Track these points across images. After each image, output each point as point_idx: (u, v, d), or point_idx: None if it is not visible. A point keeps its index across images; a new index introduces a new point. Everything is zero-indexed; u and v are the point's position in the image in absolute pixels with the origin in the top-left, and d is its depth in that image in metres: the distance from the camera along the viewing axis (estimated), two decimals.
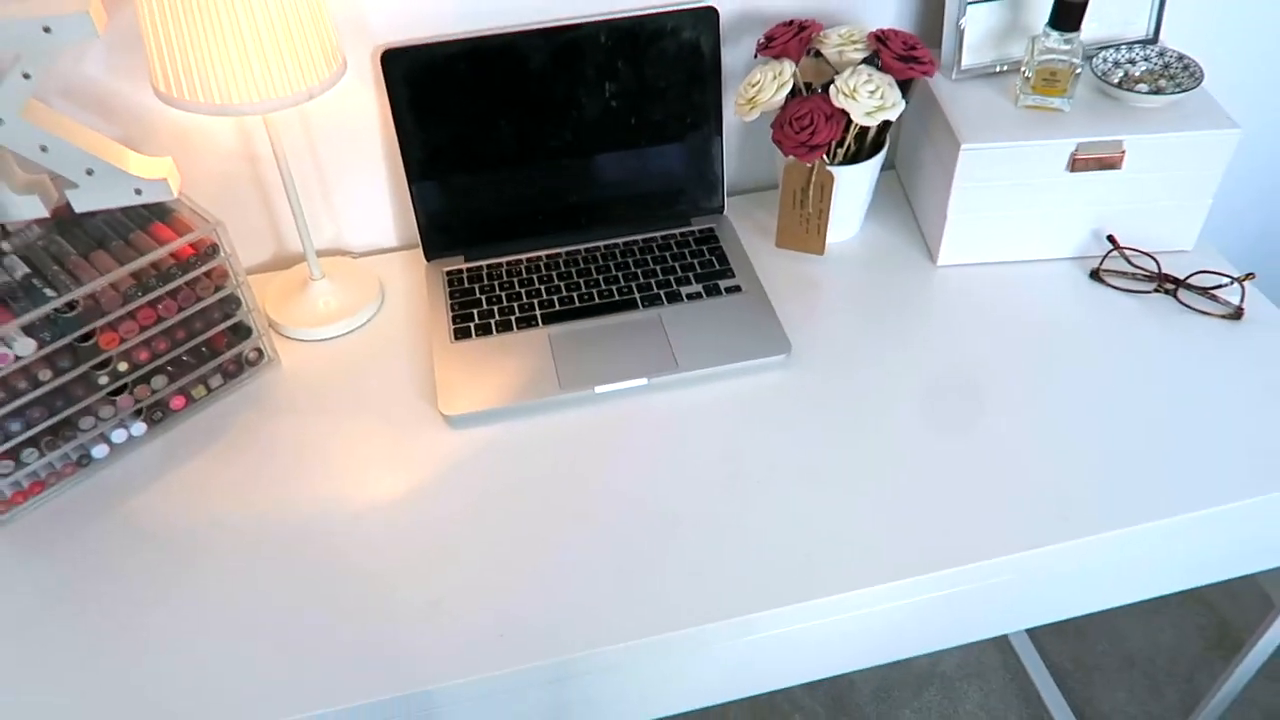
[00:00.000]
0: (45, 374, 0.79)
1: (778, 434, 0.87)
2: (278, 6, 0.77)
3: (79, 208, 0.84)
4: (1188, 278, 0.98)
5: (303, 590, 0.76)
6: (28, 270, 0.81)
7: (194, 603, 0.76)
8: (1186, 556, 0.86)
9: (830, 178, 0.99)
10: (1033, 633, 1.60)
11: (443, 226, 1.03)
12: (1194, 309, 0.97)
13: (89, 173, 0.82)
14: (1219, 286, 0.97)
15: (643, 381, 0.91)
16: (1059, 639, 1.59)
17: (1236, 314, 0.96)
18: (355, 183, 1.04)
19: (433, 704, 0.72)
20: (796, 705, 1.53)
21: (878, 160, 1.02)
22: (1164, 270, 0.99)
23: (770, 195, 1.14)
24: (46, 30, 0.74)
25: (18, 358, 0.77)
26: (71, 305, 0.79)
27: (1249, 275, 0.96)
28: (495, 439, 0.88)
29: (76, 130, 0.82)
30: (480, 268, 1.03)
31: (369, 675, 0.71)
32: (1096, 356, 0.93)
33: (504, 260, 1.04)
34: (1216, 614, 1.62)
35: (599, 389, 0.90)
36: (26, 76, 0.76)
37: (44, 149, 0.80)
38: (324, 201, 1.05)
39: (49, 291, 0.79)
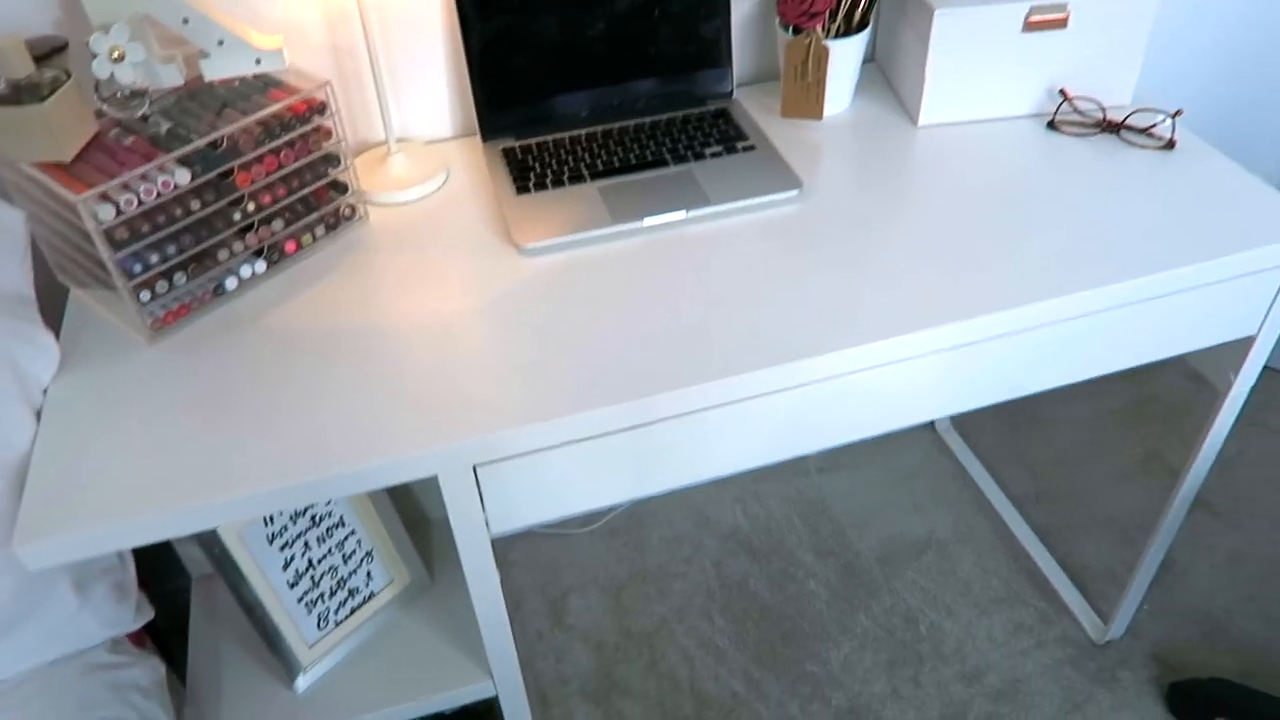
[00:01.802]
0: (195, 204, 0.95)
1: (795, 250, 1.04)
2: None
3: (209, 75, 1.01)
4: (1126, 118, 1.18)
5: (414, 370, 0.92)
6: (170, 123, 0.97)
7: (321, 383, 0.91)
8: (1124, 333, 1.05)
9: (826, 50, 1.17)
10: (1017, 502, 1.78)
11: (498, 110, 1.21)
12: (1134, 145, 1.17)
13: (220, 43, 0.99)
14: (1153, 126, 1.17)
15: (682, 214, 1.08)
16: (1040, 507, 1.77)
17: (1169, 145, 1.16)
18: (419, 77, 1.21)
19: (533, 444, 0.88)
20: (810, 572, 1.69)
21: (864, 35, 1.21)
22: (1108, 116, 1.19)
23: (770, 86, 1.32)
24: None
25: (176, 185, 0.93)
26: (215, 144, 0.95)
27: (1178, 112, 1.16)
28: (562, 262, 1.04)
29: (209, 7, 0.99)
30: (530, 144, 1.20)
31: (476, 418, 0.86)
32: (1055, 186, 1.11)
33: (549, 138, 1.21)
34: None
35: (646, 221, 1.08)
36: None
37: (185, 21, 0.97)
38: (394, 95, 1.22)
39: (193, 137, 0.95)
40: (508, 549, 1.76)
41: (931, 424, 1.95)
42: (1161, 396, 1.96)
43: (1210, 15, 1.56)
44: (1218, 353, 1.16)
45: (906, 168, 1.16)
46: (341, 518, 1.12)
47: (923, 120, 1.22)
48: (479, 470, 0.88)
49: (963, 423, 1.94)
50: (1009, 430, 1.92)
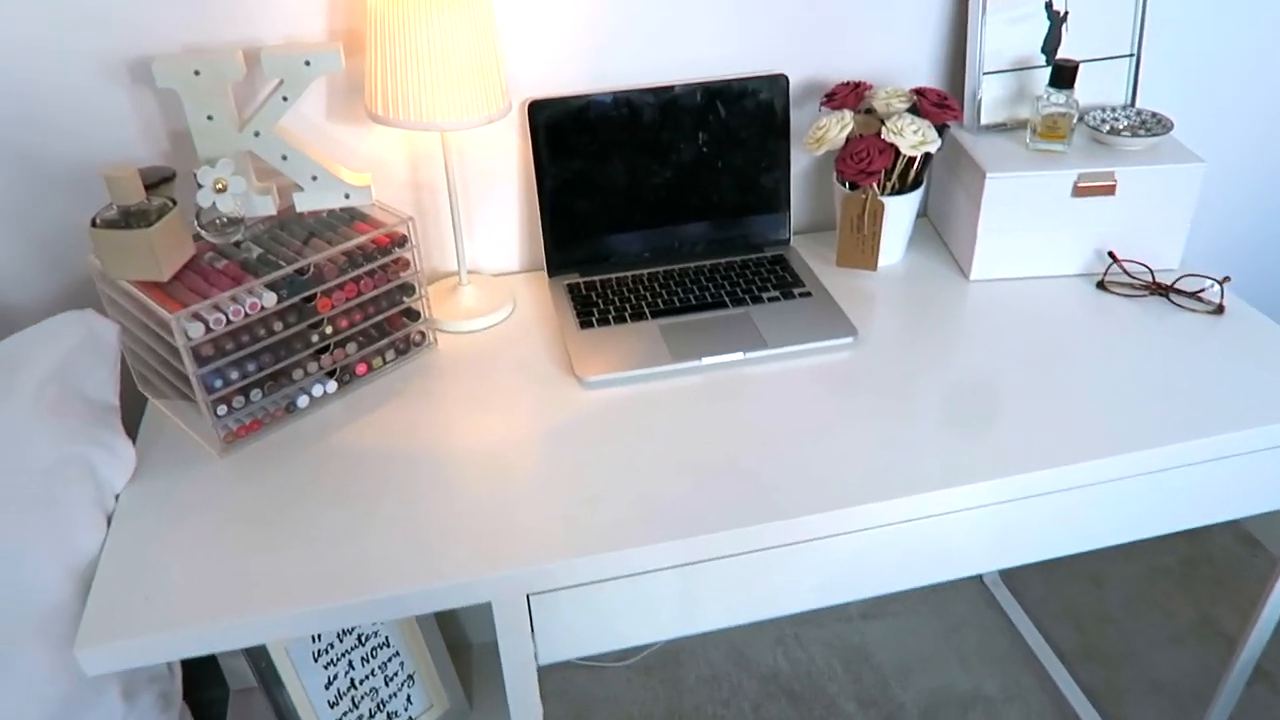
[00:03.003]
0: (278, 325, 1.00)
1: (849, 395, 1.06)
2: (471, 55, 1.03)
3: (302, 207, 1.07)
4: (1175, 282, 1.21)
5: (473, 496, 0.94)
6: (261, 250, 1.04)
7: (381, 504, 0.94)
8: (1175, 494, 1.05)
9: (881, 205, 1.22)
10: (1066, 660, 1.72)
11: (564, 247, 1.26)
12: (1184, 308, 1.19)
13: (314, 179, 1.06)
14: (1202, 290, 1.20)
15: (739, 355, 1.12)
16: (1090, 666, 1.72)
17: (1218, 310, 1.18)
18: (491, 214, 1.28)
19: (586, 576, 0.89)
20: None
21: (918, 194, 1.26)
22: (1157, 279, 1.22)
23: (825, 236, 1.37)
24: (307, 64, 1.00)
25: (263, 307, 0.98)
26: (302, 271, 1.01)
27: (1226, 278, 1.18)
28: (622, 396, 1.07)
29: (305, 145, 1.06)
30: (594, 281, 1.26)
31: (532, 547, 0.88)
32: (1105, 345, 1.13)
33: (612, 276, 1.26)
34: (1235, 647, 1.75)
35: (705, 360, 1.11)
36: (285, 99, 1.01)
37: (284, 158, 1.04)
38: (468, 230, 1.28)
39: (282, 264, 1.01)
40: (542, 680, 1.73)
41: (979, 575, 1.92)
42: (1214, 558, 1.92)
43: (1256, 187, 1.60)
44: (1275, 519, 1.15)
45: (958, 320, 1.19)
46: (387, 638, 1.12)
47: (974, 275, 1.26)
48: (532, 599, 0.89)
49: (1011, 575, 1.90)
50: (1058, 585, 1.88)
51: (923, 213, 1.41)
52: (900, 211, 1.25)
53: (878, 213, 1.23)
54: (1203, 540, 1.94)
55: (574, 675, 1.74)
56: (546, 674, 1.74)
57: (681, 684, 1.72)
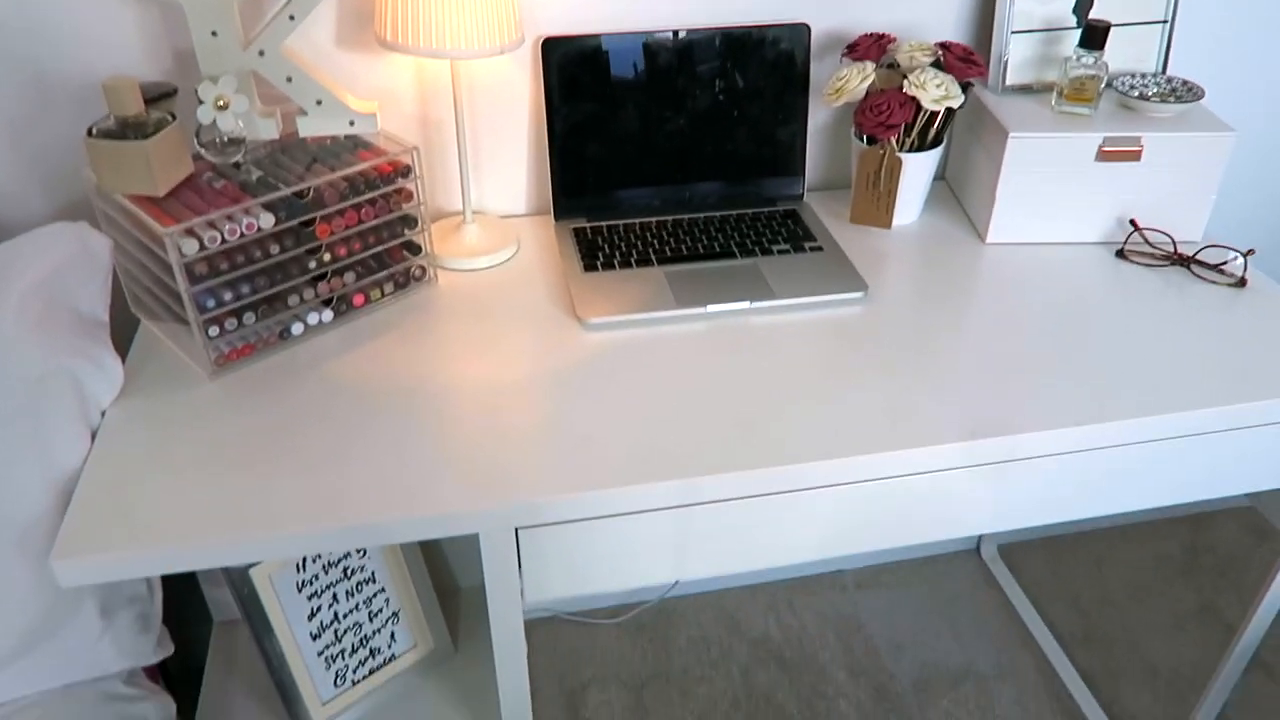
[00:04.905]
0: (274, 248, 0.98)
1: (855, 350, 1.04)
2: None
3: (305, 132, 1.05)
4: (1198, 253, 1.17)
5: (467, 430, 0.92)
6: (261, 172, 1.01)
7: (372, 434, 0.92)
8: (1185, 464, 1.02)
9: (899, 161, 1.19)
10: (1063, 641, 1.70)
11: (573, 191, 1.24)
12: (1205, 280, 1.16)
13: (318, 103, 1.04)
14: (1225, 262, 1.16)
15: (745, 304, 1.09)
16: (1087, 648, 1.70)
17: (1240, 283, 1.14)
18: (499, 154, 1.25)
19: (578, 513, 0.87)
20: (840, 690, 1.63)
21: (936, 152, 1.23)
22: (1179, 250, 1.18)
23: (839, 193, 1.34)
24: None
25: (260, 228, 0.96)
26: (301, 194, 0.99)
27: (1250, 251, 1.15)
28: (623, 340, 1.05)
29: (311, 69, 1.04)
30: (601, 226, 1.23)
31: (523, 481, 0.86)
32: (1121, 313, 1.10)
33: (620, 222, 1.24)
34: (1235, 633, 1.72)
35: (710, 308, 1.08)
36: (292, 18, 0.99)
37: (289, 79, 1.02)
38: (474, 168, 1.26)
39: (281, 187, 0.98)
40: (530, 632, 1.72)
41: (978, 550, 1.90)
42: (1218, 547, 1.89)
43: None
44: None
45: (971, 282, 1.16)
46: (373, 574, 1.10)
47: (991, 238, 1.23)
48: (520, 534, 0.87)
49: (1010, 553, 1.88)
50: (1058, 565, 1.86)
51: (940, 176, 1.38)
52: (918, 169, 1.22)
53: (895, 169, 1.20)
54: (1208, 528, 1.92)
55: (563, 629, 1.73)
56: (535, 627, 1.73)
57: (671, 644, 1.71)
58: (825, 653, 1.70)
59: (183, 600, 1.30)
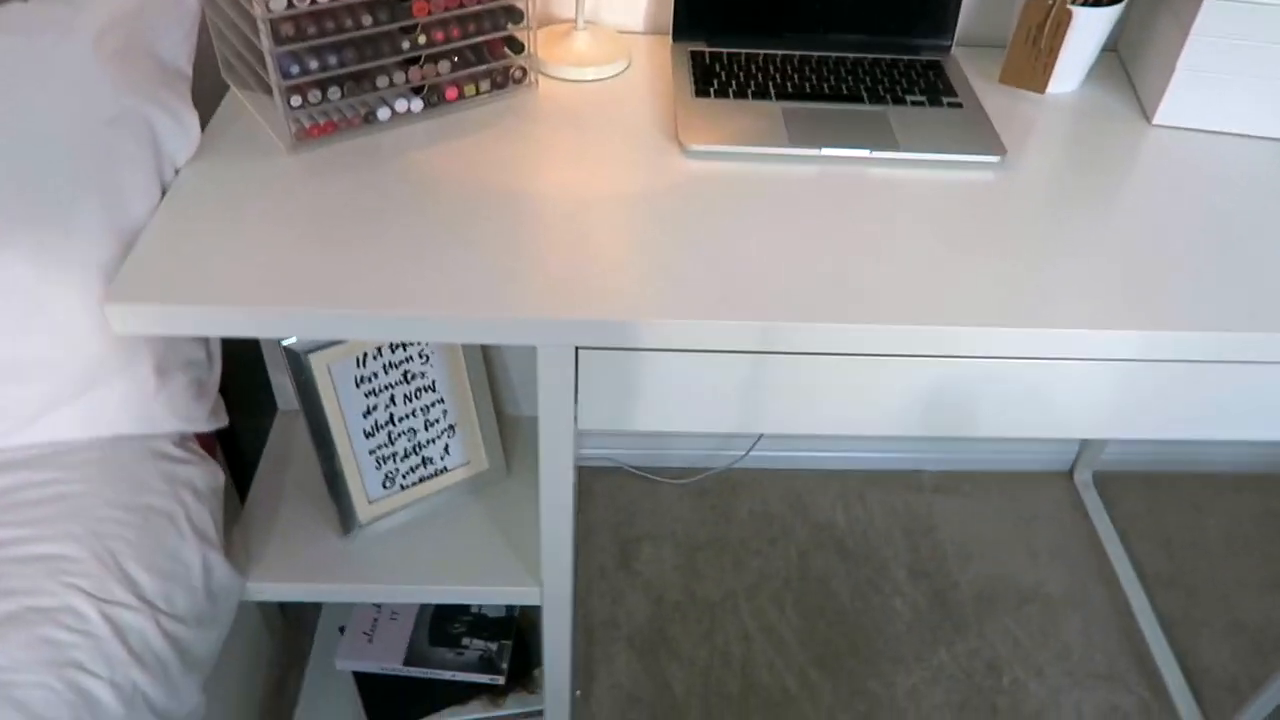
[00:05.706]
0: (366, 19, 0.91)
1: (980, 219, 0.93)
2: None
3: None
4: None
5: (544, 241, 0.86)
6: None
7: (447, 231, 0.86)
8: None
9: (1068, 15, 1.04)
10: (1146, 581, 1.60)
11: (696, 11, 1.13)
12: None
13: None
14: None
15: (865, 153, 0.98)
16: (1171, 593, 1.59)
17: None
18: None
19: (645, 341, 0.80)
20: (898, 589, 1.57)
21: (1114, 11, 1.07)
22: None
23: (991, 53, 1.20)
24: None
25: None
26: None
27: None
28: (724, 172, 0.96)
29: None
30: (721, 53, 1.12)
31: (591, 301, 0.79)
32: None
33: (743, 51, 1.13)
34: None
35: (825, 151, 0.98)
36: None
37: None
38: None
39: None
40: (592, 480, 1.71)
41: (1070, 473, 1.78)
42: None
43: None
44: None
45: (1127, 165, 1.02)
46: (434, 383, 1.07)
47: (1159, 119, 1.08)
48: (580, 354, 0.82)
49: (1105, 481, 1.76)
50: (1154, 503, 1.74)
51: (1112, 48, 1.22)
52: (1089, 27, 1.07)
53: (1062, 23, 1.05)
54: None
55: (626, 482, 1.71)
56: (598, 476, 1.71)
57: (733, 514, 1.67)
58: (889, 549, 1.63)
59: (252, 387, 1.30)
